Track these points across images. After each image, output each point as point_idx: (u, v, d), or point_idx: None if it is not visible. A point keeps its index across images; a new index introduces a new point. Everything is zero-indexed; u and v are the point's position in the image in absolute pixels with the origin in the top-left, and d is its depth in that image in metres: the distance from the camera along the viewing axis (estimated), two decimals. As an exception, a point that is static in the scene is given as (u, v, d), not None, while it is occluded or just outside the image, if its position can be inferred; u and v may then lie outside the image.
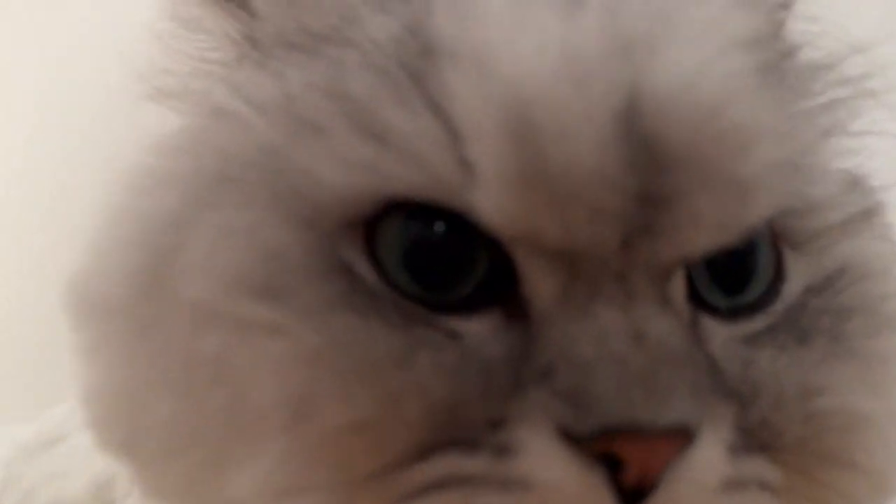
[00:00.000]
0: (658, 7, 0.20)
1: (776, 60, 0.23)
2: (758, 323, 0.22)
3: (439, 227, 0.21)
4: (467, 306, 0.20)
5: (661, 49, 0.20)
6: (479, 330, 0.20)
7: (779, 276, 0.23)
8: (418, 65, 0.20)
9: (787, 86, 0.23)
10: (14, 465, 0.53)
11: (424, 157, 0.20)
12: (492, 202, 0.19)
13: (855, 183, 0.25)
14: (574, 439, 0.18)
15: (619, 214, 0.19)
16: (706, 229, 0.20)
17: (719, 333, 0.21)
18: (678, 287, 0.21)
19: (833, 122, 0.25)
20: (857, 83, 0.25)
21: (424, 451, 0.19)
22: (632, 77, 0.19)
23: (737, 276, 0.22)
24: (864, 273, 0.24)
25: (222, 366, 0.20)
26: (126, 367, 0.22)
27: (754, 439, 0.21)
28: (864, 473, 0.22)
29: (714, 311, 0.22)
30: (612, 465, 0.18)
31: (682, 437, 0.19)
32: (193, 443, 0.20)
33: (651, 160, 0.19)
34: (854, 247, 0.24)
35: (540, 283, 0.20)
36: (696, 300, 0.22)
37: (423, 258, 0.20)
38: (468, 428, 0.19)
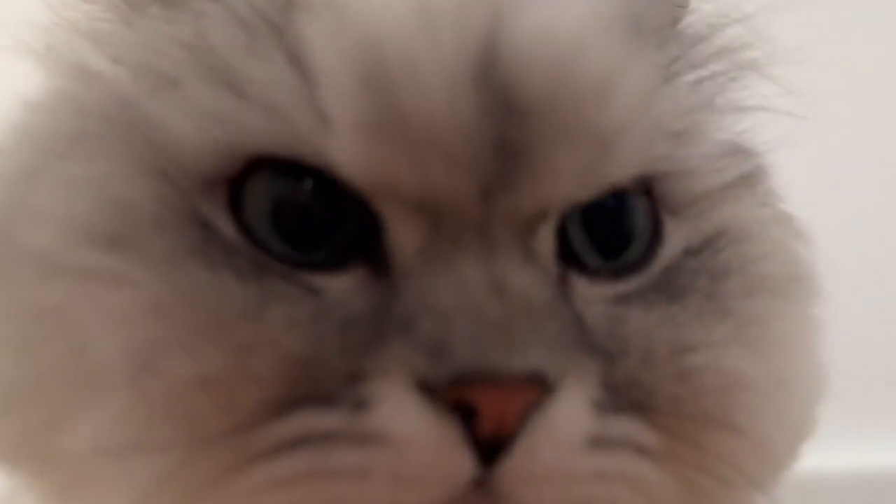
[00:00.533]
0: None
1: (656, 24, 0.23)
2: (631, 284, 0.22)
3: (307, 185, 0.20)
4: (333, 263, 0.20)
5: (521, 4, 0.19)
6: (341, 286, 0.20)
7: (657, 239, 0.23)
8: (280, 17, 0.20)
9: (665, 50, 0.23)
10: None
11: (280, 109, 0.19)
12: (346, 151, 0.19)
13: (736, 149, 0.25)
14: (430, 390, 0.18)
15: (476, 164, 0.19)
16: (565, 181, 0.20)
17: (589, 292, 0.21)
18: (545, 242, 0.20)
19: (715, 91, 0.25)
20: (739, 54, 0.25)
21: (279, 409, 0.18)
22: (488, 23, 0.19)
23: (614, 239, 0.22)
24: (742, 236, 0.24)
25: (64, 318, 0.19)
26: None
27: (625, 398, 0.20)
28: (747, 438, 0.22)
29: (587, 270, 0.21)
30: (467, 417, 0.18)
31: (538, 385, 0.18)
32: (31, 398, 0.20)
33: (508, 109, 0.19)
34: (733, 211, 0.24)
35: (403, 237, 0.20)
36: (569, 258, 0.21)
37: (292, 217, 0.20)
38: (325, 383, 0.19)
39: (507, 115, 0.19)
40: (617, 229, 0.22)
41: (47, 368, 0.19)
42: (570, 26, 0.19)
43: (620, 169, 0.21)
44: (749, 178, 0.25)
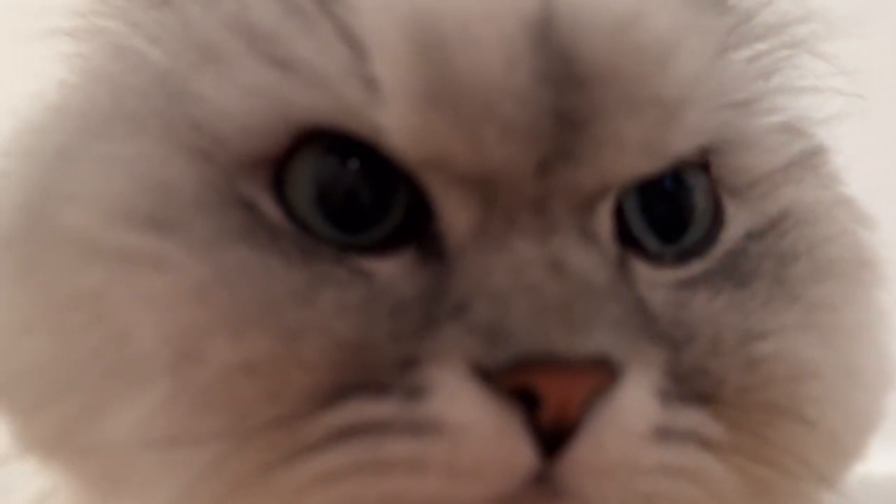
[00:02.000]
0: None
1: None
2: (695, 268, 0.21)
3: (354, 164, 0.20)
4: (383, 246, 0.19)
5: None
6: (392, 269, 0.19)
7: (718, 222, 0.22)
8: None
9: (724, 20, 0.23)
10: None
11: (329, 80, 0.19)
12: (397, 121, 0.18)
13: (793, 128, 0.24)
14: (488, 375, 0.17)
15: (534, 133, 0.18)
16: (629, 152, 0.19)
17: (650, 276, 0.20)
18: (604, 222, 0.20)
19: (771, 68, 0.24)
20: (793, 30, 0.25)
21: (329, 398, 0.18)
22: None
23: (673, 221, 0.21)
24: (808, 218, 0.23)
25: (103, 302, 0.18)
26: (4, 306, 0.20)
27: (691, 388, 0.19)
28: (815, 430, 0.21)
29: (647, 254, 0.21)
30: (529, 403, 0.17)
31: (604, 370, 0.17)
32: (69, 386, 0.19)
33: (567, 75, 0.19)
34: (796, 192, 0.23)
35: (455, 217, 0.19)
36: (628, 241, 0.21)
37: (338, 199, 0.20)
38: (377, 370, 0.18)
39: (565, 82, 0.18)
40: (676, 211, 0.22)
41: (85, 355, 0.19)
42: None
43: (685, 138, 0.20)
44: (810, 157, 0.24)
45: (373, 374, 0.18)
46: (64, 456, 0.21)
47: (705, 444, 0.19)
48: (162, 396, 0.18)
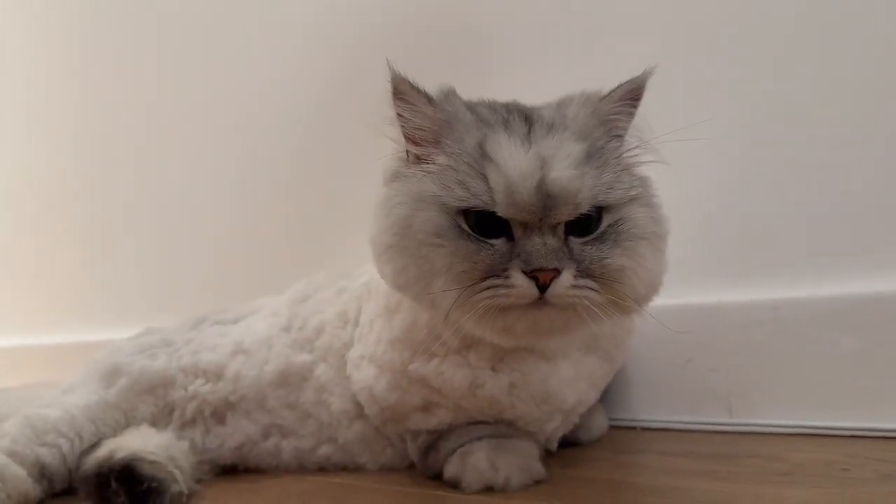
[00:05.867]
0: (549, 148, 0.68)
1: (600, 148, 0.71)
2: (589, 238, 0.71)
3: (488, 216, 0.69)
4: (496, 237, 0.69)
5: (550, 163, 0.68)
6: (499, 244, 0.69)
7: (600, 220, 0.71)
8: (480, 160, 0.69)
9: (604, 159, 0.71)
10: (292, 308, 1.01)
11: (480, 194, 0.69)
12: (500, 207, 0.68)
13: (630, 185, 0.73)
14: (524, 273, 0.67)
15: (537, 210, 0.68)
16: (564, 216, 0.68)
17: (575, 242, 0.70)
18: (560, 230, 0.69)
19: (626, 161, 0.73)
20: (639, 146, 0.73)
21: (485, 278, 0.68)
22: (541, 173, 0.67)
23: (587, 225, 0.71)
24: (630, 218, 0.72)
25: (428, 257, 0.70)
26: (399, 263, 0.72)
27: (585, 273, 0.69)
28: (627, 286, 0.71)
29: (575, 234, 0.70)
30: (536, 280, 0.67)
31: (556, 271, 0.67)
32: (420, 279, 0.70)
33: (547, 195, 0.67)
34: (628, 210, 0.72)
35: (517, 231, 0.69)
36: (569, 232, 0.70)
37: (483, 225, 0.70)
38: (496, 271, 0.68)
39: (546, 197, 0.67)
40: (589, 222, 0.71)
41: (425, 270, 0.70)
42: (565, 171, 0.68)
43: (583, 210, 0.69)
44: (636, 196, 0.73)
45: (495, 272, 0.68)
46: (420, 297, 0.72)
47: (591, 288, 0.69)
48: (444, 279, 0.68)
